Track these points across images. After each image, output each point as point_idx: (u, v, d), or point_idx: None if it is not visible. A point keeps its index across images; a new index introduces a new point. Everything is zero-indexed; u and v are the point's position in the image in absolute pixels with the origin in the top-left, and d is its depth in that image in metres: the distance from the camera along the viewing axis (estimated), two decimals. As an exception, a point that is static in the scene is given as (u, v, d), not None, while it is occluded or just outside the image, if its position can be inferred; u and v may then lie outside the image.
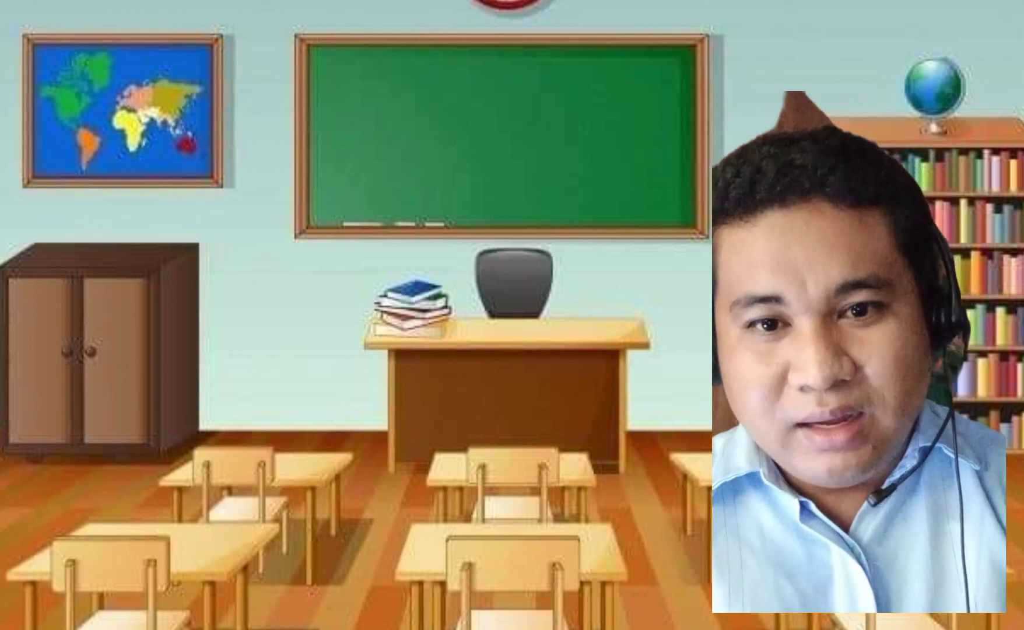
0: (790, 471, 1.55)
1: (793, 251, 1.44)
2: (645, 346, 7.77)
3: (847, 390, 1.46)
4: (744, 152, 1.52)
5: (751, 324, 1.48)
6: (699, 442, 8.49)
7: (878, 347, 1.45)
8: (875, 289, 1.45)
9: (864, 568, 1.55)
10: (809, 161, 1.45)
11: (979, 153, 8.43)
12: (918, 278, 1.50)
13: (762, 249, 1.45)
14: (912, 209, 1.49)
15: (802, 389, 1.46)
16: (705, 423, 8.88)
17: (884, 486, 1.56)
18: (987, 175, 8.40)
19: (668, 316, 8.84)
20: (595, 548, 4.19)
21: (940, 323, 1.52)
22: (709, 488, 5.89)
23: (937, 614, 4.28)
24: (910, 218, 1.49)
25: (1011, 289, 8.38)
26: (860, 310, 1.46)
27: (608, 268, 9.04)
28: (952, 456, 1.57)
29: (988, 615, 4.00)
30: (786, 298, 1.45)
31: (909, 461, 1.55)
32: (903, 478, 1.57)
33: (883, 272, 1.46)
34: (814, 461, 1.49)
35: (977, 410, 8.39)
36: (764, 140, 1.52)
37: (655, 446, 8.49)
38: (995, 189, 8.40)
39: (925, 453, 1.56)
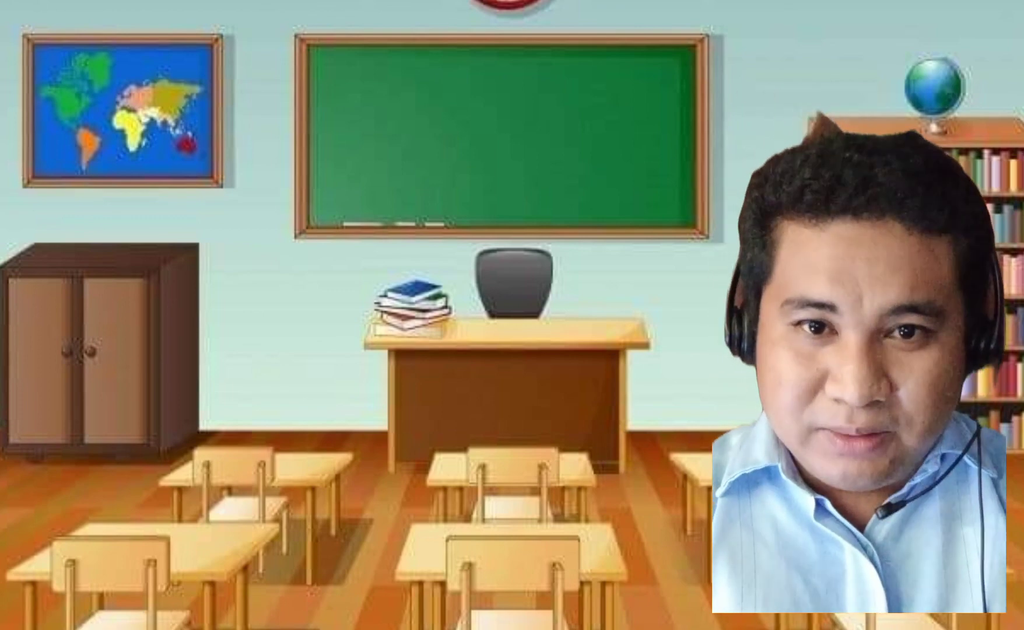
0: (806, 468, 1.56)
1: (857, 265, 1.44)
2: (645, 346, 7.76)
3: (879, 410, 1.46)
4: (826, 153, 1.49)
5: (798, 323, 1.48)
6: (699, 442, 8.46)
7: (917, 372, 1.45)
8: (927, 316, 1.45)
9: (877, 567, 1.55)
10: (891, 181, 1.45)
11: (979, 153, 8.43)
12: (968, 307, 1.51)
13: (826, 257, 1.45)
14: (978, 240, 1.51)
15: (836, 400, 1.46)
16: (705, 423, 8.87)
17: (895, 500, 1.56)
18: (987, 175, 8.40)
19: (668, 316, 8.82)
20: (595, 548, 4.19)
21: (978, 349, 1.53)
22: (709, 488, 5.88)
23: (937, 614, 4.28)
24: (975, 249, 1.50)
25: (1011, 289, 8.37)
26: (908, 332, 1.46)
27: (608, 268, 9.03)
28: (970, 464, 1.58)
29: (988, 615, 4.00)
30: (840, 309, 1.45)
31: (931, 465, 1.55)
32: (920, 493, 1.57)
33: (938, 301, 1.46)
34: (830, 464, 1.49)
35: (977, 410, 8.39)
36: (848, 144, 1.50)
37: (655, 446, 8.48)
38: (995, 189, 8.40)
39: (948, 462, 1.56)
